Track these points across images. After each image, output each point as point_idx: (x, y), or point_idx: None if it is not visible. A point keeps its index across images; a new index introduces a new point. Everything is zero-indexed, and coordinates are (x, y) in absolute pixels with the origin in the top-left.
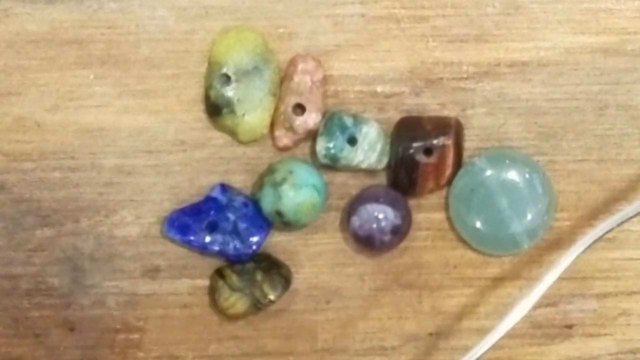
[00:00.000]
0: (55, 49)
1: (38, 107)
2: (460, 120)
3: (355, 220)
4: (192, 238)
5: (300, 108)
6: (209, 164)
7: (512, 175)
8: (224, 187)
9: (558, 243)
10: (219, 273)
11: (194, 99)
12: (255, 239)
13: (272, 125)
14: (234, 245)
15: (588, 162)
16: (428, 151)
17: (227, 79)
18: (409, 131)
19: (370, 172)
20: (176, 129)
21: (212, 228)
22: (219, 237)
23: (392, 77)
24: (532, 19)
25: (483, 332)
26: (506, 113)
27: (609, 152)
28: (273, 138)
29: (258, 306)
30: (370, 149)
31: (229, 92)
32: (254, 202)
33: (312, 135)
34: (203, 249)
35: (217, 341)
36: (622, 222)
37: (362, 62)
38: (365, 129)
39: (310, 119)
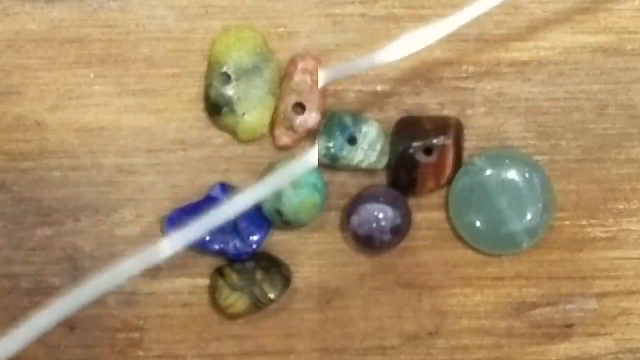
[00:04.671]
0: (55, 48)
1: (38, 106)
2: (460, 120)
3: (355, 220)
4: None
5: (300, 107)
6: (209, 163)
7: (512, 175)
8: (224, 187)
9: (558, 243)
10: (219, 272)
11: (194, 98)
12: (255, 238)
13: (273, 125)
14: (234, 244)
15: (588, 162)
16: (428, 151)
17: (227, 78)
18: (409, 131)
19: (370, 172)
20: (176, 128)
21: None
22: (219, 236)
23: (392, 76)
24: (532, 19)
25: (483, 332)
26: (506, 113)
27: (609, 152)
28: (273, 137)
29: (258, 305)
30: (370, 149)
31: (229, 91)
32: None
33: (312, 135)
34: (203, 248)
35: (217, 340)
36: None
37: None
38: (365, 128)
39: (311, 118)
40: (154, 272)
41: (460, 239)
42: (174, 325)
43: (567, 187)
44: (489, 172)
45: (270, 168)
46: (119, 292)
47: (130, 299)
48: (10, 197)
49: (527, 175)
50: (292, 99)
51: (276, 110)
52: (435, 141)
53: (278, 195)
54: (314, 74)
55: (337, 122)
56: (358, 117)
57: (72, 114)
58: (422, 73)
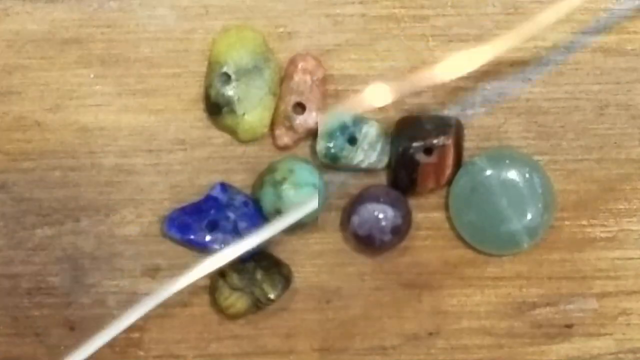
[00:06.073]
0: (55, 48)
1: (38, 106)
2: (460, 120)
3: (356, 220)
4: (192, 237)
5: (300, 107)
6: (209, 163)
7: (512, 174)
8: (224, 186)
9: (558, 243)
10: (219, 272)
11: (194, 98)
12: None
13: (273, 125)
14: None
15: (588, 161)
16: (428, 151)
17: (227, 78)
18: (409, 131)
19: (370, 171)
20: (176, 128)
21: (213, 227)
22: (219, 236)
23: (392, 76)
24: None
25: (483, 332)
26: (506, 113)
27: (609, 152)
28: (273, 137)
29: (258, 305)
30: (370, 149)
31: (229, 91)
32: (254, 201)
33: (312, 135)
34: (203, 248)
35: (217, 340)
36: None
37: (362, 61)
38: (365, 128)
39: (311, 118)
40: (154, 272)
41: (460, 239)
42: (174, 325)
43: (567, 187)
44: (489, 172)
45: (270, 169)
46: (118, 292)
47: (130, 299)
48: (10, 197)
49: (527, 175)
50: (292, 99)
51: (276, 110)
52: (435, 141)
53: (278, 195)
54: (314, 74)
55: (337, 122)
56: (358, 117)
57: (72, 114)
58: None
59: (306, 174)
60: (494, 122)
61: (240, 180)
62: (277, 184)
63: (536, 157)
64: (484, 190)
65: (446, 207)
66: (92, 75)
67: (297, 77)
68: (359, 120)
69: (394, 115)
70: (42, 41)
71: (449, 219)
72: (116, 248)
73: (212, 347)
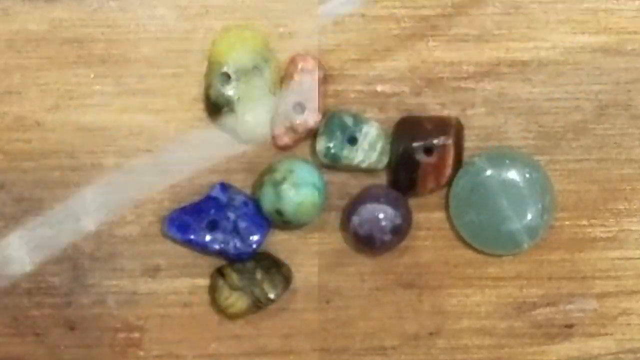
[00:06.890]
0: (55, 48)
1: (38, 106)
2: (460, 120)
3: (356, 220)
4: (192, 237)
5: (300, 107)
6: (209, 163)
7: (512, 175)
8: (224, 186)
9: (558, 243)
10: (219, 272)
11: (194, 98)
12: (255, 238)
13: (273, 125)
14: (234, 244)
15: (588, 162)
16: (428, 151)
17: (227, 78)
18: (409, 131)
19: (370, 171)
20: (176, 128)
21: (213, 227)
22: (219, 236)
23: (392, 76)
24: (532, 19)
25: (483, 332)
26: (506, 113)
27: (609, 152)
28: (273, 137)
29: (258, 305)
30: (370, 149)
31: (229, 91)
32: (254, 201)
33: (312, 135)
34: (203, 248)
35: (217, 340)
36: None
37: (362, 61)
38: (365, 128)
39: (311, 118)
40: (154, 272)
41: (460, 239)
42: (174, 325)
43: (567, 187)
44: (489, 172)
45: (270, 169)
46: (118, 292)
47: (130, 299)
48: (11, 197)
49: (527, 175)
50: (292, 99)
51: (276, 110)
52: (435, 141)
53: (278, 195)
54: (314, 73)
55: (337, 122)
56: (358, 117)
57: (72, 113)
58: (422, 73)
59: (306, 174)
60: (494, 122)
61: (240, 180)
62: (277, 184)
63: (536, 157)
64: (484, 190)
65: (446, 207)
66: (92, 75)
67: (297, 77)
68: (359, 120)
69: (394, 115)
70: (42, 41)
71: (449, 219)
72: (116, 248)
73: (212, 347)
